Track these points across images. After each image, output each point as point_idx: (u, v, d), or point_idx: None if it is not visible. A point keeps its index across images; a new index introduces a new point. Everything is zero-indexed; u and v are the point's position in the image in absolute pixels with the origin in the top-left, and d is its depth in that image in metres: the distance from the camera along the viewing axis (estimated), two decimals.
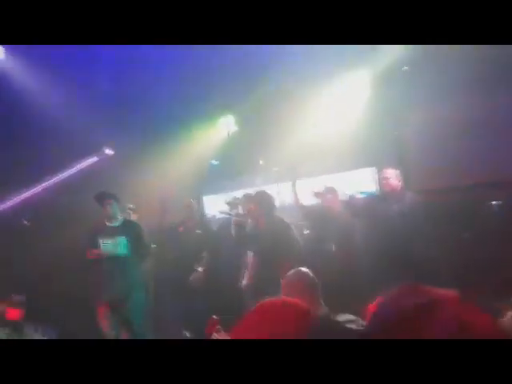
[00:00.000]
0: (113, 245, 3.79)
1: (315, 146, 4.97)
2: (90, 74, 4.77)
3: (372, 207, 3.91)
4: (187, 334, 4.33)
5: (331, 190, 4.34)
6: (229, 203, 4.61)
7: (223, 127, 5.79)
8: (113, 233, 3.85)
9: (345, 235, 4.09)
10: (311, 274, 2.27)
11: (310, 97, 4.77)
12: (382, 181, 3.88)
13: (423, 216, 3.63)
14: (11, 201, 5.89)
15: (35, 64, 4.67)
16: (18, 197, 5.95)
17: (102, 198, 3.89)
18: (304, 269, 2.31)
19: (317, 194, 4.35)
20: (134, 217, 4.57)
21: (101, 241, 3.83)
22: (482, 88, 3.81)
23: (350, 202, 4.02)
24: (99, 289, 3.81)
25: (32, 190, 6.00)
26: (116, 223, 3.92)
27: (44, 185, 6.03)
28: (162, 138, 5.64)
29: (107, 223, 3.92)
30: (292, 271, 2.31)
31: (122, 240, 3.81)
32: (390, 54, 4.12)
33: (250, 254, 3.96)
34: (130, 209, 4.59)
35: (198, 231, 4.57)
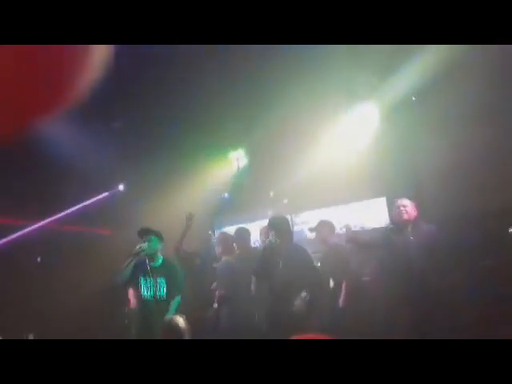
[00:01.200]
0: (154, 286, 3.77)
1: (325, 177, 5.01)
2: (101, 112, 4.87)
3: (387, 238, 3.85)
4: None
5: (325, 224, 4.38)
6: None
7: (234, 161, 5.88)
8: (154, 273, 3.79)
9: (342, 269, 4.09)
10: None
11: (320, 128, 4.86)
12: (397, 210, 3.76)
13: (439, 246, 3.60)
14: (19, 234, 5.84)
15: None
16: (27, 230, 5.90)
17: (142, 233, 3.83)
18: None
19: (311, 229, 4.44)
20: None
21: (143, 281, 3.78)
22: (492, 116, 3.87)
23: (364, 234, 3.98)
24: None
25: (40, 224, 5.97)
26: (157, 263, 3.85)
27: (53, 219, 6.02)
28: (174, 172, 5.72)
29: (148, 262, 3.83)
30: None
31: (161, 281, 3.78)
32: (398, 85, 4.23)
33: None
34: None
35: (214, 265, 4.51)
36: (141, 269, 3.78)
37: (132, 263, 3.72)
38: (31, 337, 4.35)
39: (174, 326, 2.72)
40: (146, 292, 3.76)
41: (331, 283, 4.14)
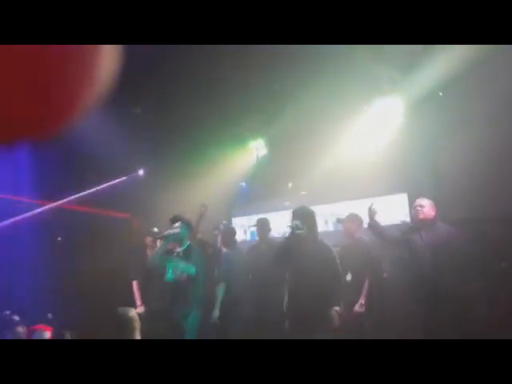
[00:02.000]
0: (176, 269, 3.96)
1: (345, 170, 4.93)
2: (123, 97, 4.89)
3: (403, 237, 3.79)
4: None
5: (354, 218, 4.31)
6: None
7: (253, 150, 5.84)
8: (178, 257, 4.03)
9: (362, 265, 4.04)
10: None
11: (342, 122, 4.76)
12: (414, 210, 3.72)
13: (456, 247, 3.53)
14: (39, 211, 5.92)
15: None
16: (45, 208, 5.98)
17: (173, 221, 4.05)
18: None
19: (339, 221, 4.38)
20: None
21: (169, 265, 4.00)
22: None
23: (380, 231, 3.88)
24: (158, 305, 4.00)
25: (61, 204, 6.05)
26: (182, 248, 4.06)
27: (74, 200, 6.10)
28: (193, 160, 5.73)
29: (177, 247, 4.09)
30: None
31: (181, 264, 3.97)
32: (424, 80, 4.09)
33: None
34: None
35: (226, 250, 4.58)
36: (170, 254, 4.06)
37: (163, 248, 4.00)
38: (50, 316, 4.48)
39: (126, 319, 2.95)
40: (169, 275, 3.98)
41: (349, 277, 4.08)
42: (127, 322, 3.09)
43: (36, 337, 2.67)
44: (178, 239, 4.01)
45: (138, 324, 3.45)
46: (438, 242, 3.53)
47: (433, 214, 3.66)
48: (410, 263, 3.74)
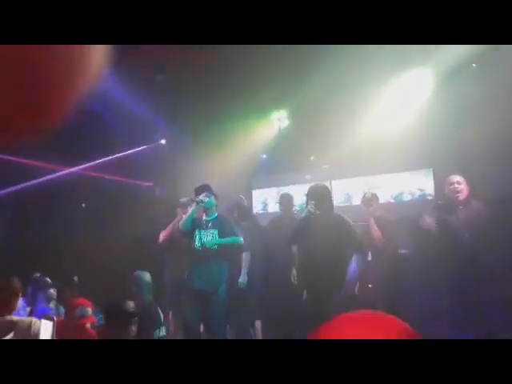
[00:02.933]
0: (205, 236, 3.97)
1: (370, 144, 4.83)
2: (145, 67, 4.83)
3: (437, 215, 3.69)
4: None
5: (375, 198, 4.23)
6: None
7: (275, 122, 5.76)
8: (207, 226, 4.02)
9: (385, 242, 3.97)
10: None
11: (368, 94, 4.63)
12: (451, 187, 3.58)
13: (491, 225, 3.42)
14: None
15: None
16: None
17: (203, 189, 4.04)
18: None
19: (363, 201, 4.26)
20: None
21: (197, 233, 4.00)
22: None
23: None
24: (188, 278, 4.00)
25: (85, 169, 6.08)
26: (211, 217, 4.06)
27: (96, 166, 6.13)
28: (213, 131, 5.70)
29: (204, 217, 4.09)
30: None
31: (214, 232, 3.98)
32: (455, 52, 3.91)
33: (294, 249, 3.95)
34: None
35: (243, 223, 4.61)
36: (197, 222, 4.04)
37: (193, 211, 3.95)
38: (76, 279, 4.63)
39: (139, 279, 3.27)
40: (198, 243, 3.97)
41: (369, 256, 4.06)
42: (143, 285, 3.22)
43: (78, 313, 2.65)
44: (206, 207, 4.01)
45: (151, 287, 3.48)
46: (474, 220, 3.42)
47: (467, 191, 3.56)
48: (444, 241, 3.59)
